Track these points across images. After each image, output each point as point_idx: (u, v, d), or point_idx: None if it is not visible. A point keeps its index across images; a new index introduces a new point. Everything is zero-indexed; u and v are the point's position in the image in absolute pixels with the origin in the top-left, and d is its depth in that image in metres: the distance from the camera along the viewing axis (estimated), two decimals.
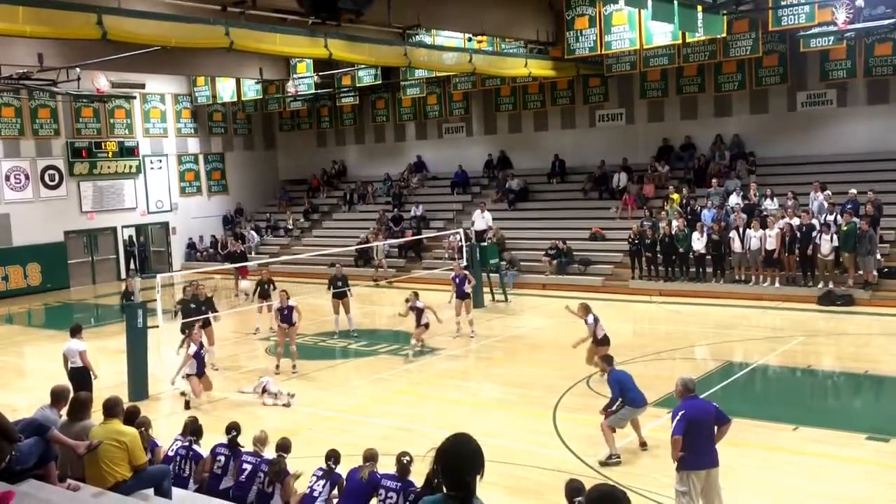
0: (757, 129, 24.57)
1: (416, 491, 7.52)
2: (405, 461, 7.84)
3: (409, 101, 30.97)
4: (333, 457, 8.22)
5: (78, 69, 21.70)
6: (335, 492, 8.03)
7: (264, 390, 13.41)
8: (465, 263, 20.64)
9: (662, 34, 19.56)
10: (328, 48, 16.86)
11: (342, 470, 8.16)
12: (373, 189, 31.92)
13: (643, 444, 10.35)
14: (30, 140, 28.42)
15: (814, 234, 19.33)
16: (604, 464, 9.95)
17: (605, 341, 13.36)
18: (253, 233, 31.74)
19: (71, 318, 22.66)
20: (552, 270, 23.56)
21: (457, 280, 17.70)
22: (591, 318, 13.49)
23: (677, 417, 7.58)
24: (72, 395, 7.98)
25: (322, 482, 8.03)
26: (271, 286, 18.61)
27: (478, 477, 3.58)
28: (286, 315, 15.17)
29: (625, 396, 10.16)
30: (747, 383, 14.02)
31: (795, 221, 19.80)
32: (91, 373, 12.70)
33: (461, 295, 17.58)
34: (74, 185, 29.49)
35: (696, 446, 7.54)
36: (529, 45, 22.59)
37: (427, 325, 15.78)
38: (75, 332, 13.04)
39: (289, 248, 30.09)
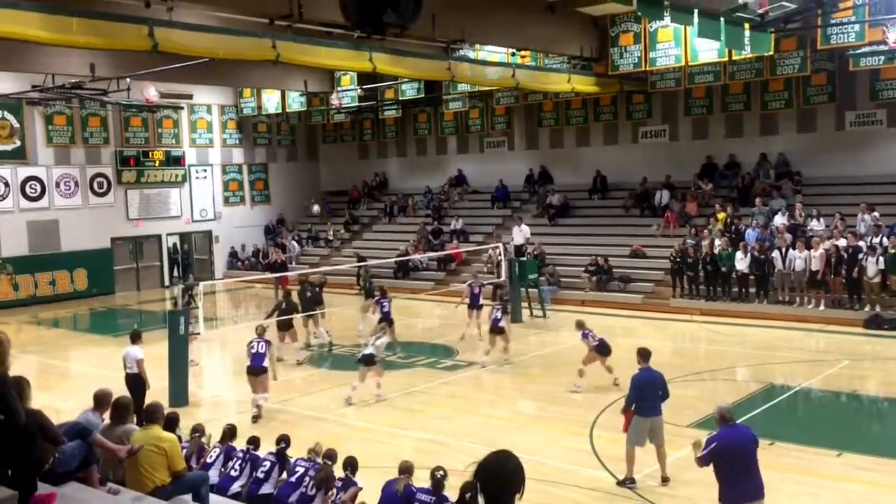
0: (804, 149, 24.19)
1: None
2: (439, 475, 7.84)
3: (452, 115, 31.08)
4: (350, 465, 8.30)
5: (128, 79, 22.16)
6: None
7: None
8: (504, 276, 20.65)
9: (708, 51, 19.35)
10: (373, 62, 17.01)
11: (367, 480, 8.19)
12: (413, 202, 32.03)
13: (665, 479, 9.80)
14: (80, 148, 29.05)
15: (860, 256, 18.96)
16: (620, 484, 9.78)
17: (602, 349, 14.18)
18: (294, 243, 32.04)
19: (115, 323, 23.06)
20: (592, 287, 23.39)
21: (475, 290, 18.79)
22: (581, 334, 14.46)
23: (709, 448, 7.43)
24: (114, 398, 8.09)
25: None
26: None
27: (517, 496, 3.54)
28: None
29: (638, 403, 9.74)
30: (790, 407, 13.77)
31: (842, 242, 19.43)
32: (144, 382, 12.55)
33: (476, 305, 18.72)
34: (122, 192, 30.07)
35: (733, 478, 7.33)
36: (573, 60, 22.53)
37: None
38: (135, 338, 12.97)
39: (329, 259, 30.32)
